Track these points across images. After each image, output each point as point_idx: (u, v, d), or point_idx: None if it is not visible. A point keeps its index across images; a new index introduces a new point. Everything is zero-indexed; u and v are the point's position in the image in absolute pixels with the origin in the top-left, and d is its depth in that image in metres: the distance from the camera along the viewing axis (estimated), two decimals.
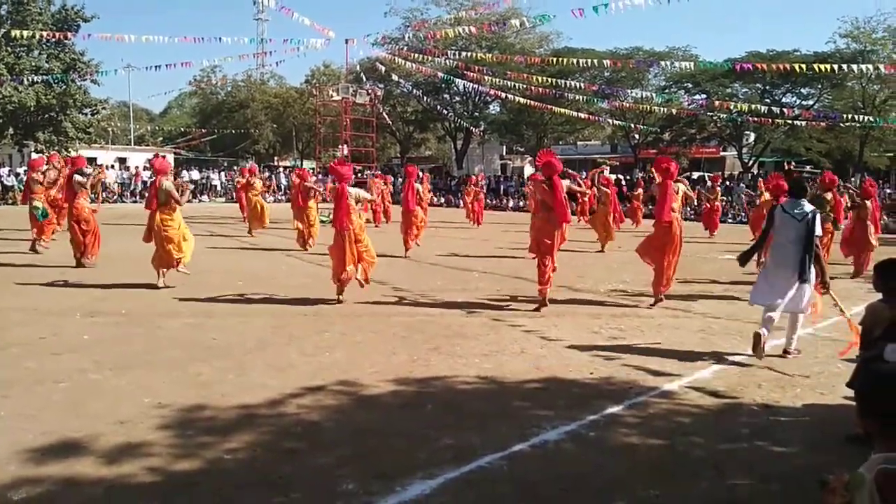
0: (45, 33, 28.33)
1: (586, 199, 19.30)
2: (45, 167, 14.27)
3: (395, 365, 6.00)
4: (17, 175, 30.41)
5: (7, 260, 12.05)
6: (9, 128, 33.59)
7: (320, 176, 33.97)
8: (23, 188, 16.34)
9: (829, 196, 11.05)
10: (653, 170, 9.14)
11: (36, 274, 10.58)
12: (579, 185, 11.18)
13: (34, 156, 26.24)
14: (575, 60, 27.07)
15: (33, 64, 32.71)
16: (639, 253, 9.15)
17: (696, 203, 13.42)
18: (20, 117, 32.87)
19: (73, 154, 28.86)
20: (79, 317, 7.70)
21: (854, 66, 24.16)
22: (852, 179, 28.79)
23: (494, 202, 33.81)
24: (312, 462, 4.00)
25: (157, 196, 9.46)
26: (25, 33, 25.53)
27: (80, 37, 31.99)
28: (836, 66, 23.33)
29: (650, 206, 8.93)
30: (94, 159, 34.33)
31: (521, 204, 29.69)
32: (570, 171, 9.35)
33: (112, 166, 36.78)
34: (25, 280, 10.04)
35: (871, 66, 24.35)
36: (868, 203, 11.16)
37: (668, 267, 8.74)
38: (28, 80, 30.15)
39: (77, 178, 11.56)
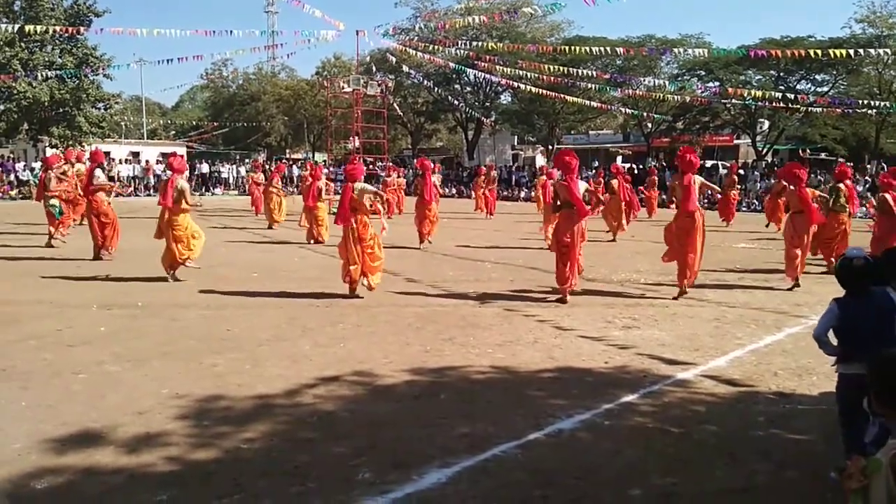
0: (57, 28, 28.52)
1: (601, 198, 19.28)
2: (62, 163, 14.41)
3: (409, 355, 6.02)
4: (31, 170, 30.69)
5: (23, 254, 12.19)
6: (23, 123, 33.88)
7: (331, 168, 34.02)
8: (37, 185, 16.48)
9: (842, 186, 10.89)
10: (676, 163, 9.08)
11: (53, 267, 10.69)
12: (595, 192, 11.20)
13: (49, 152, 26.49)
14: (586, 49, 26.87)
15: (47, 59, 32.93)
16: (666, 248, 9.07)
17: (719, 191, 13.24)
18: (34, 113, 33.13)
19: (87, 148, 29.12)
20: (95, 309, 7.78)
21: (871, 51, 23.81)
22: (868, 167, 28.47)
23: (506, 193, 33.69)
24: (329, 451, 4.03)
25: (175, 198, 9.47)
26: (39, 28, 25.68)
27: (92, 31, 32.20)
28: (851, 52, 23.01)
29: (672, 200, 8.85)
30: (108, 153, 34.60)
31: (533, 194, 29.59)
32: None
33: (127, 160, 37.04)
34: (42, 273, 10.14)
35: (888, 51, 23.98)
36: (888, 196, 10.79)
37: (692, 258, 8.65)
38: (42, 75, 30.36)
39: (97, 173, 11.67)
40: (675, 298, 8.68)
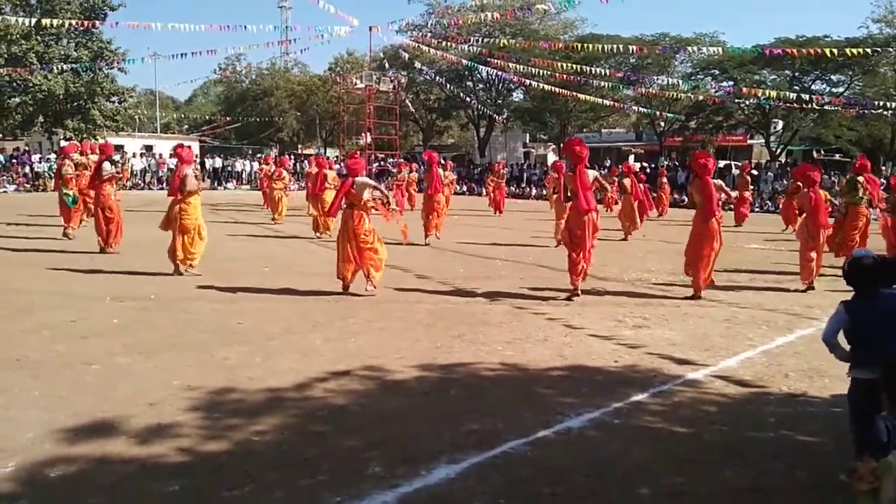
0: (73, 22, 28.71)
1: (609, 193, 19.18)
2: (77, 155, 14.50)
3: (420, 351, 6.03)
4: (47, 161, 30.89)
5: (38, 245, 12.29)
6: (38, 116, 34.14)
7: (341, 164, 34.05)
8: (53, 175, 16.54)
9: (861, 179, 10.81)
10: (693, 168, 8.95)
11: (66, 259, 10.77)
12: (606, 181, 11.14)
13: (64, 143, 26.66)
14: (600, 47, 26.78)
15: (62, 52, 33.17)
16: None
17: (732, 194, 13.15)
18: (49, 105, 33.38)
19: (101, 141, 29.29)
20: (108, 301, 7.84)
21: (889, 50, 23.58)
22: (883, 168, 28.20)
23: (517, 190, 33.62)
24: (339, 445, 4.05)
25: (180, 186, 9.47)
26: (55, 22, 25.86)
27: (107, 25, 32.39)
28: (868, 51, 22.81)
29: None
30: (122, 147, 34.82)
31: (545, 192, 29.52)
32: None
33: (142, 154, 37.23)
34: (56, 265, 10.23)
35: None
36: None
37: (705, 260, 8.56)
38: (57, 68, 30.57)
39: (106, 166, 11.69)
40: (688, 297, 8.64)
